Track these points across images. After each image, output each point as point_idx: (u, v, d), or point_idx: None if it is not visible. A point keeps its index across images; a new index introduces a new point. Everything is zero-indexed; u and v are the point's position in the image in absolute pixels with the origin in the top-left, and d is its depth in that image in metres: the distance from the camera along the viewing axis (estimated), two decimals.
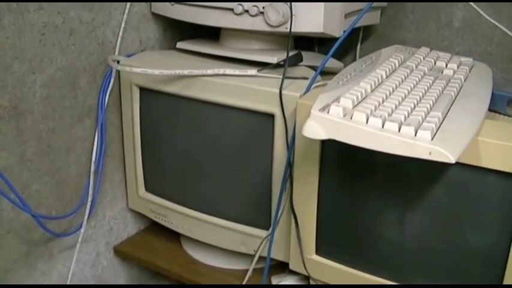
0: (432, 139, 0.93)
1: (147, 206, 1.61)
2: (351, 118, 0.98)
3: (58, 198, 1.45)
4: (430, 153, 0.91)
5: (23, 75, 1.29)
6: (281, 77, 1.26)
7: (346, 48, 1.77)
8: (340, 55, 1.73)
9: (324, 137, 0.98)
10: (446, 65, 1.30)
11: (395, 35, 1.70)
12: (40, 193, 1.40)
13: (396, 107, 1.02)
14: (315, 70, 1.34)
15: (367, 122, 0.96)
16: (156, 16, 1.59)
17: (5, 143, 1.29)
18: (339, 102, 1.02)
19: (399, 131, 0.94)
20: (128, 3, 1.50)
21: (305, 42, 1.72)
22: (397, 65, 1.27)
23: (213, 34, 1.56)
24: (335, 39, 1.27)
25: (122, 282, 1.76)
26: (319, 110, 1.00)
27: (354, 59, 1.75)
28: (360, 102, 1.04)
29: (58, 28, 1.35)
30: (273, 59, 1.36)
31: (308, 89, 1.25)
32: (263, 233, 1.41)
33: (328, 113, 0.99)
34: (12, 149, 1.31)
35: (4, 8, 1.21)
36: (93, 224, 1.58)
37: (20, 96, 1.30)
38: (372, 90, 1.11)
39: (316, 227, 1.28)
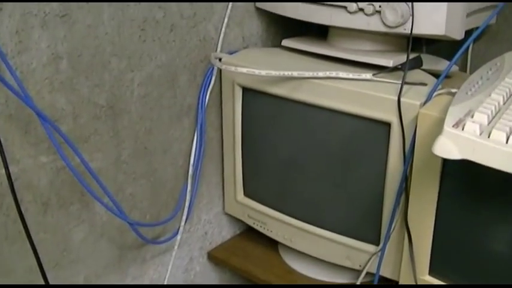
0: None
1: (245, 212, 1.55)
2: (489, 137, 0.88)
3: (153, 201, 1.41)
4: None
5: (121, 73, 1.25)
6: (398, 82, 1.18)
7: (457, 48, 1.68)
8: (450, 56, 1.65)
9: (458, 156, 0.89)
10: None
11: (509, 35, 1.60)
12: (134, 196, 1.36)
13: None
14: (431, 74, 1.26)
15: (507, 142, 0.86)
16: (261, 11, 1.53)
17: (101, 144, 1.25)
18: (472, 117, 0.92)
19: None
20: None
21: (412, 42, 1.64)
22: None
23: (320, 32, 1.48)
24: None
25: None
26: (453, 126, 0.90)
27: (465, 60, 1.66)
28: (494, 117, 0.94)
29: (158, 23, 1.29)
30: (388, 62, 1.27)
31: (429, 97, 1.16)
32: (371, 248, 1.33)
33: (462, 129, 0.90)
34: (107, 150, 1.27)
35: (104, 3, 1.16)
36: (188, 229, 1.53)
37: (117, 95, 1.25)
38: (504, 103, 1.00)
39: (432, 246, 1.19)
